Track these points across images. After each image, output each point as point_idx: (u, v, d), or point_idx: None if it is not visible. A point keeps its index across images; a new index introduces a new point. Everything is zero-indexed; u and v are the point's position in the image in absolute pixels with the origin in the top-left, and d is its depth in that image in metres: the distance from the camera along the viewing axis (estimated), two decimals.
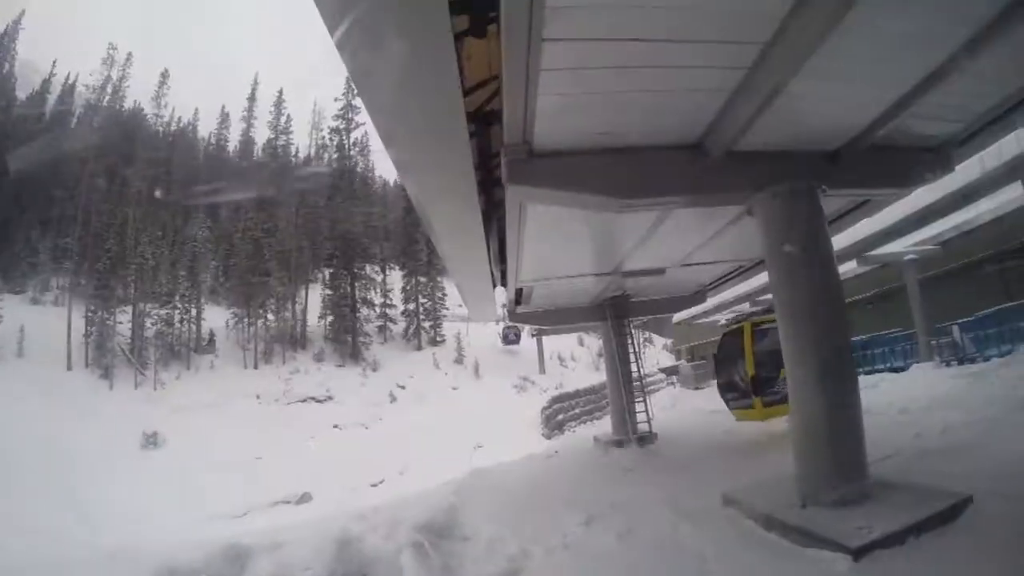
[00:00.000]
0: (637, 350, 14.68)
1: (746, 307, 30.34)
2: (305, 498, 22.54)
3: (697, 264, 12.14)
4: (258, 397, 32.78)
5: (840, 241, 18.73)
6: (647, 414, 13.70)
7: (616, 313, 14.40)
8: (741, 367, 11.96)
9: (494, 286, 13.56)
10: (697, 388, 32.75)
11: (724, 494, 6.83)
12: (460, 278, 11.79)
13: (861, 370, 21.93)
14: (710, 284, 15.38)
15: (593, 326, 18.81)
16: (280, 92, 56.23)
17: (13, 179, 37.10)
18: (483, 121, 6.56)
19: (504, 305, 17.54)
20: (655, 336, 62.86)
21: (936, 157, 7.36)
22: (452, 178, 6.50)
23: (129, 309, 35.14)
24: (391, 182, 71.94)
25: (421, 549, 5.84)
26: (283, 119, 55.68)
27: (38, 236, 37.66)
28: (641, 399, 13.89)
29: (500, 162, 6.24)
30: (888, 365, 20.67)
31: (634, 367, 14.44)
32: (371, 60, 4.37)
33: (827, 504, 5.74)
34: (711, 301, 28.05)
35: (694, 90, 5.30)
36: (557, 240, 9.19)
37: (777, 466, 8.87)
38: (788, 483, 6.46)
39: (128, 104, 51.15)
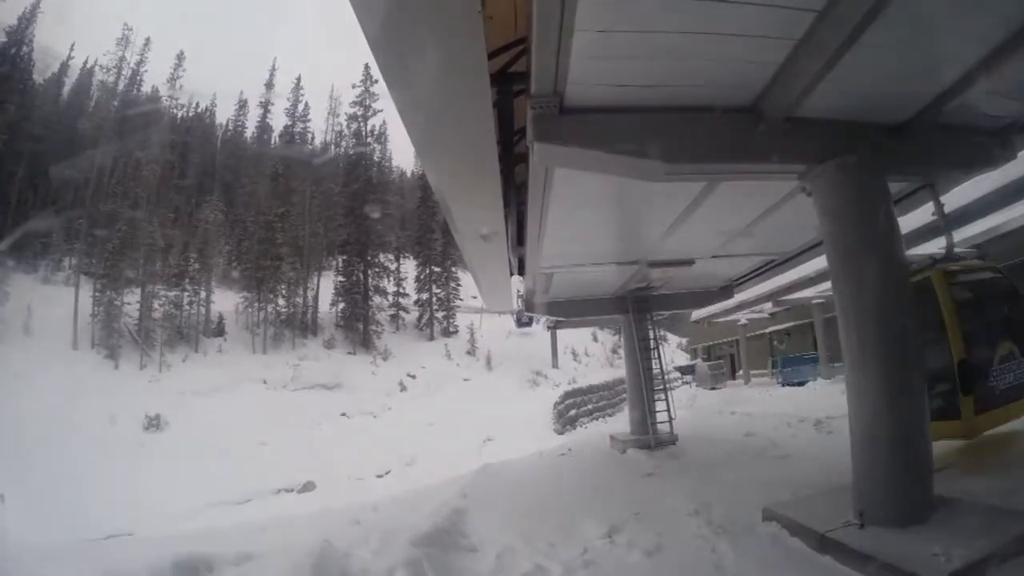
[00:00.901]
0: (659, 346, 13.83)
1: (768, 307, 29.61)
2: (308, 487, 21.95)
3: (728, 256, 11.35)
4: (265, 382, 32.21)
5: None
6: (669, 414, 12.85)
7: (638, 307, 13.61)
8: (935, 349, 6.79)
9: (511, 274, 12.85)
10: (713, 388, 32.03)
11: (765, 508, 6.05)
12: (476, 264, 11.00)
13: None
14: (737, 279, 14.57)
15: (613, 320, 18.08)
16: (298, 79, 56.01)
17: (28, 161, 36.99)
18: (506, 92, 5.95)
19: (520, 295, 16.81)
20: (669, 334, 62.13)
21: (1000, 141, 6.67)
22: (473, 146, 5.67)
23: (138, 290, 34.55)
24: (408, 172, 71.63)
25: (418, 569, 4.99)
26: (301, 106, 55.56)
27: (51, 217, 37.23)
28: (663, 398, 13.05)
29: (521, 141, 5.85)
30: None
31: (656, 364, 13.62)
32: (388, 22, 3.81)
33: (888, 523, 4.96)
34: (731, 300, 27.51)
35: (754, 36, 4.48)
36: (581, 223, 8.48)
37: (810, 474, 8.15)
38: (835, 496, 5.75)
39: (146, 89, 51.08)
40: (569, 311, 14.71)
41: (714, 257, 11.07)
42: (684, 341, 74.32)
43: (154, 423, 26.12)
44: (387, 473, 23.80)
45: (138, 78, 49.94)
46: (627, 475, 10.08)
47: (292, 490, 21.81)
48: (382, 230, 46.89)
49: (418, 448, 26.34)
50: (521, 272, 12.74)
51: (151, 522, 16.59)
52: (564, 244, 9.30)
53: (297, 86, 55.89)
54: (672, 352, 66.21)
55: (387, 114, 54.52)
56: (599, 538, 5.99)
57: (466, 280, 44.89)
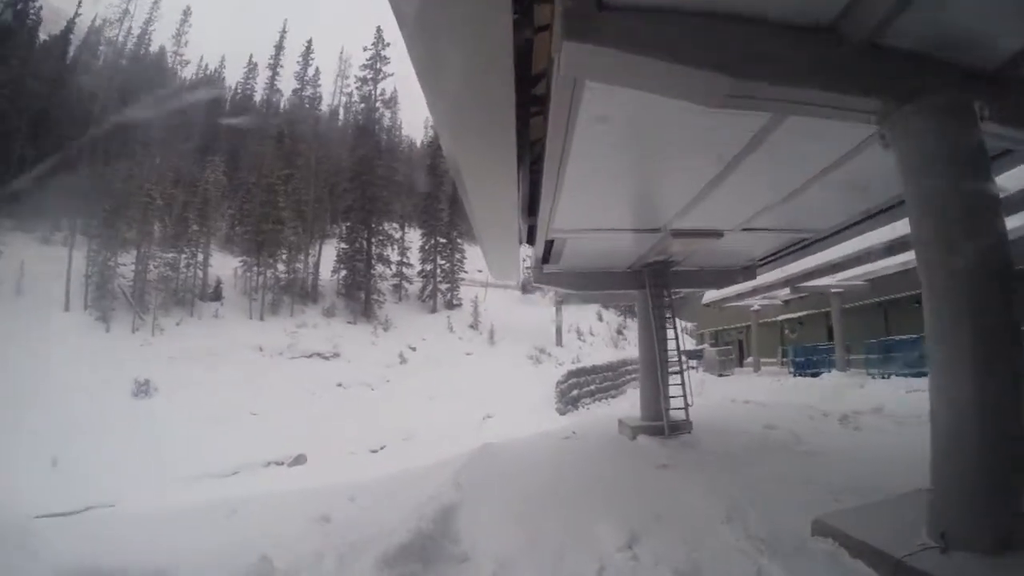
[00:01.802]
0: (676, 326, 12.82)
1: (782, 293, 28.55)
2: (299, 460, 21.19)
3: (758, 231, 10.31)
4: (261, 349, 31.29)
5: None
6: (685, 399, 11.86)
7: (655, 282, 12.61)
8: None
9: (519, 242, 11.90)
10: (721, 375, 31.16)
11: (816, 520, 5.09)
12: (482, 227, 9.99)
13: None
14: (761, 259, 13.57)
15: (625, 296, 17.08)
16: (309, 43, 54.62)
17: (30, 120, 36.13)
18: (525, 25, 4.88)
19: (528, 267, 15.81)
20: (676, 319, 60.97)
21: None
22: (487, 86, 4.82)
23: (134, 251, 33.57)
24: (418, 143, 70.27)
25: None
26: (311, 70, 54.55)
27: (52, 176, 36.17)
28: (678, 382, 12.06)
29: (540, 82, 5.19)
30: None
31: (673, 345, 12.64)
32: None
33: (978, 548, 4.02)
34: (747, 283, 26.43)
35: None
36: (602, 179, 7.51)
37: (850, 476, 7.22)
38: (894, 508, 4.96)
39: (154, 48, 50.42)
40: (580, 283, 13.67)
41: (744, 230, 10.05)
42: (691, 325, 73.78)
43: (143, 389, 25.29)
44: (382, 448, 23.04)
45: (147, 37, 49.08)
46: (640, 465, 9.15)
47: (282, 463, 21.03)
48: (388, 197, 45.52)
49: (416, 423, 25.60)
50: (530, 241, 11.85)
51: (135, 493, 15.99)
52: (581, 204, 8.39)
53: (308, 50, 54.69)
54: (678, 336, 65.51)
55: (399, 79, 53.67)
56: (618, 549, 5.02)
57: (472, 253, 44.21)
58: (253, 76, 60.15)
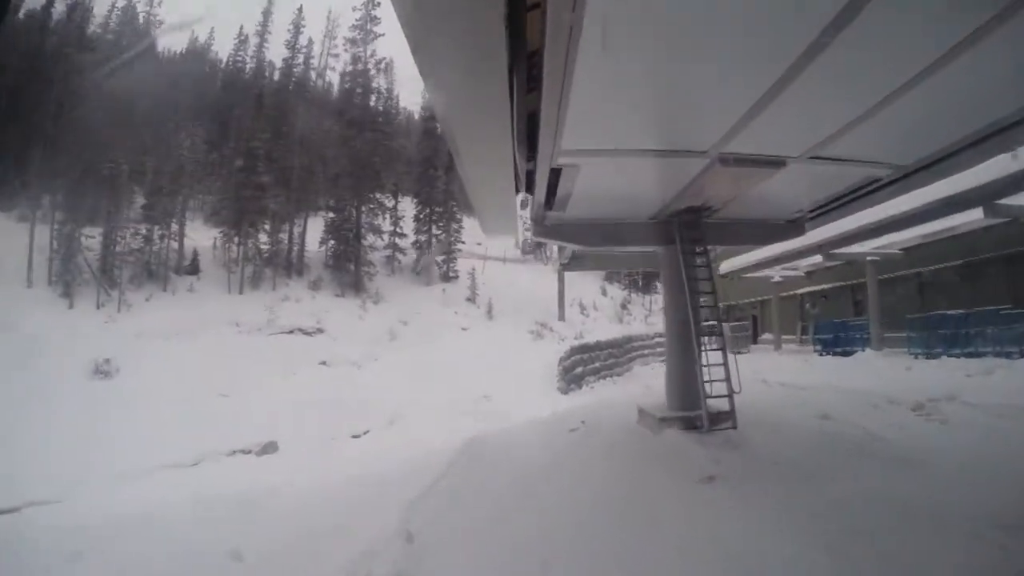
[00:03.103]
0: (717, 288, 10.28)
1: (804, 264, 26.14)
2: (270, 448, 18.87)
3: (828, 161, 7.77)
4: (237, 325, 28.83)
5: None
6: (729, 385, 9.33)
7: (689, 235, 10.08)
8: None
9: (517, 191, 9.45)
10: (738, 352, 28.79)
11: None
12: (469, 166, 7.66)
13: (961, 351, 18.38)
14: (813, 210, 11.01)
15: (646, 257, 14.63)
16: (300, 9, 51.49)
17: (6, 93, 34.02)
18: None
19: (527, 227, 13.31)
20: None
21: None
22: None
23: (103, 222, 31.11)
24: (415, 114, 67.39)
25: None
26: (303, 38, 51.76)
27: (29, 152, 33.66)
28: (722, 361, 9.54)
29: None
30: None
31: (708, 312, 10.16)
32: None
33: None
34: (765, 251, 24.04)
35: None
36: (625, 75, 5.28)
37: (996, 499, 4.91)
38: None
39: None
40: (591, 237, 11.04)
41: (812, 159, 7.53)
42: None
43: (103, 369, 22.99)
44: (365, 433, 20.81)
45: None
46: (676, 478, 6.80)
47: (251, 451, 18.73)
48: (379, 163, 42.71)
49: (405, 404, 23.33)
50: (529, 189, 9.40)
51: (86, 486, 14.21)
52: (597, 115, 6.07)
53: (299, 17, 51.54)
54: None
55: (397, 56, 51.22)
56: None
57: (469, 225, 41.83)
58: (244, 48, 57.04)
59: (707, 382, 9.27)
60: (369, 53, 46.32)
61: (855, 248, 21.34)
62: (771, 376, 16.95)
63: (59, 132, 33.34)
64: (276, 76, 52.32)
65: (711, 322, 10.10)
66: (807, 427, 9.31)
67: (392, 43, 47.27)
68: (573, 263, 17.11)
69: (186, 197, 35.89)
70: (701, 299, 9.89)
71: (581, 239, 10.98)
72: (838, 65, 4.86)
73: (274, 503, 8.49)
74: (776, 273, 27.28)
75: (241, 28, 56.19)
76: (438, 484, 7.35)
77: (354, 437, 20.41)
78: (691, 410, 9.55)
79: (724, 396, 9.17)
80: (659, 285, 60.42)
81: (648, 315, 53.49)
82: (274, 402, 22.04)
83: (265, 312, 29.94)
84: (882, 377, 14.73)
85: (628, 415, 11.08)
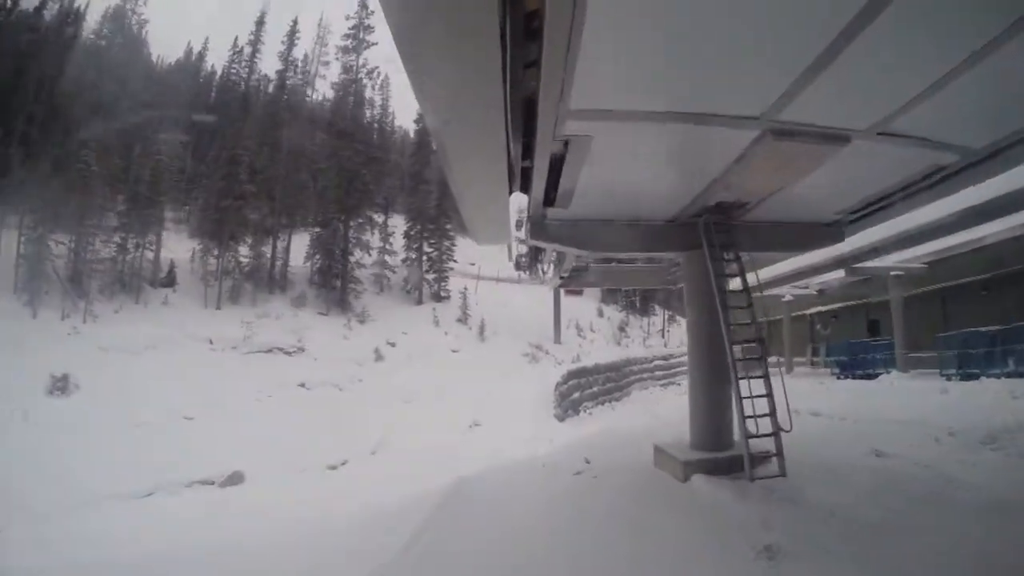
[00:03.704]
0: (752, 304, 8.57)
1: (815, 282, 24.67)
2: (235, 479, 17.19)
3: (897, 138, 6.20)
4: (211, 342, 26.94)
5: None
6: (775, 421, 7.61)
7: (718, 239, 8.44)
8: None
9: (510, 190, 7.84)
10: (748, 376, 27.18)
11: None
12: (457, 158, 6.26)
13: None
14: (857, 211, 9.41)
15: (657, 268, 13.09)
16: (294, 23, 50.27)
17: None
18: None
19: (520, 236, 11.65)
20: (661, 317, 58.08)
21: None
22: None
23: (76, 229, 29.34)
24: (411, 132, 66.35)
25: None
26: (298, 52, 50.80)
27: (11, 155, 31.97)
28: (766, 391, 7.84)
29: None
30: None
31: (745, 331, 8.48)
32: None
33: None
34: (780, 267, 22.52)
35: None
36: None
37: None
38: None
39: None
40: (599, 242, 9.30)
41: (879, 135, 5.97)
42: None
43: (60, 385, 21.08)
44: (343, 464, 19.17)
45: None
46: (722, 550, 5.05)
47: (212, 482, 17.03)
48: (369, 175, 41.04)
49: (389, 430, 21.68)
50: (525, 188, 7.96)
51: (24, 519, 13.03)
52: (615, 58, 4.61)
53: (293, 29, 50.22)
54: (683, 334, 61.58)
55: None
56: None
57: (462, 244, 40.37)
58: (238, 59, 55.62)
59: (754, 417, 7.56)
60: (361, 63, 45.02)
61: (878, 263, 19.96)
62: (799, 404, 15.29)
63: (35, 134, 31.75)
64: (269, 88, 51.38)
65: (749, 343, 8.36)
66: (864, 468, 7.71)
67: (387, 54, 45.47)
68: (571, 279, 15.41)
69: (164, 206, 34.03)
70: (736, 315, 8.22)
71: (586, 243, 9.27)
72: (917, 14, 3.79)
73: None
74: (787, 292, 25.72)
75: (235, 39, 55.21)
76: (412, 549, 5.62)
77: (331, 468, 18.79)
78: (721, 450, 7.95)
79: (768, 435, 7.44)
80: (656, 307, 59.79)
81: (646, 337, 52.37)
82: (245, 427, 20.39)
83: (241, 329, 28.08)
84: (922, 403, 13.10)
85: (640, 453, 9.42)
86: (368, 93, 47.49)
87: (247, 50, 53.20)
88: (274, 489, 16.06)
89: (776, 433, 7.44)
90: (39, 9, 38.70)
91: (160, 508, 14.82)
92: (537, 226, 8.86)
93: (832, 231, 10.02)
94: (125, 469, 16.63)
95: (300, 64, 50.71)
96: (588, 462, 9.66)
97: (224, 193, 33.42)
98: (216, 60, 57.53)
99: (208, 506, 15.13)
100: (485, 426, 23.40)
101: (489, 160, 6.13)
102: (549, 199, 7.75)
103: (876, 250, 19.16)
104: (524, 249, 17.68)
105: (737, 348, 8.08)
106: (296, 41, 50.10)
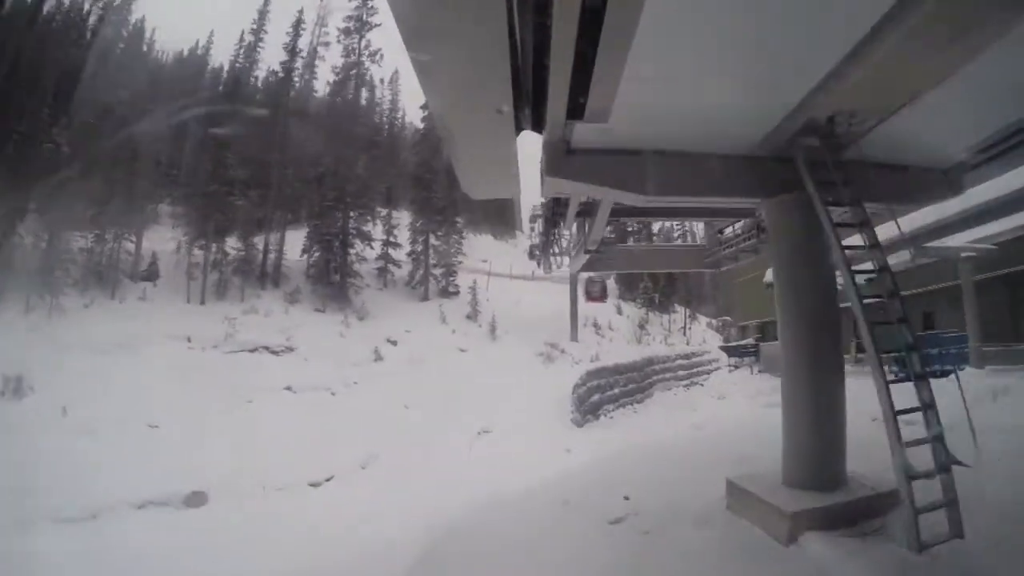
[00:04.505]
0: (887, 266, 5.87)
1: (868, 266, 21.88)
2: (195, 500, 14.77)
3: None
4: (189, 340, 24.43)
5: None
6: (941, 448, 4.90)
7: (822, 176, 5.77)
8: None
9: (517, 129, 5.68)
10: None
11: None
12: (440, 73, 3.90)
13: None
14: (984, 150, 6.84)
15: (694, 251, 10.62)
16: (300, 12, 47.77)
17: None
18: None
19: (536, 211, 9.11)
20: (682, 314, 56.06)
21: None
22: None
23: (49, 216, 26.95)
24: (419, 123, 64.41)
25: None
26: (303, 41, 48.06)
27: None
28: (924, 402, 5.14)
29: None
30: None
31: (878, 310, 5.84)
32: None
33: None
34: None
35: None
36: None
37: None
38: None
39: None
40: (649, 179, 6.54)
41: None
42: (715, 321, 67.02)
43: (13, 386, 18.67)
44: (328, 480, 16.73)
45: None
46: None
47: (168, 504, 14.65)
48: (370, 160, 38.62)
49: (384, 441, 19.24)
50: (537, 127, 5.95)
51: None
52: None
53: (298, 21, 47.69)
54: (703, 331, 58.82)
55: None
56: None
57: (475, 242, 37.88)
58: (240, 51, 53.35)
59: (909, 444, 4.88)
60: (364, 44, 42.39)
61: (948, 242, 17.46)
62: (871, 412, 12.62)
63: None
64: (271, 78, 48.94)
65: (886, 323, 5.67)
66: None
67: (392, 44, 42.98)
68: (595, 262, 12.78)
69: (149, 195, 31.57)
70: (861, 284, 5.56)
71: (629, 182, 6.55)
72: None
73: None
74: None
75: (242, 33, 53.14)
76: None
77: (312, 485, 16.38)
78: (831, 488, 5.31)
79: (937, 473, 4.74)
80: (676, 307, 57.02)
81: (668, 335, 49.64)
82: (218, 437, 17.95)
83: (224, 325, 25.54)
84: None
85: (696, 483, 6.93)
86: (371, 75, 44.75)
87: (250, 40, 51.05)
88: (239, 513, 13.80)
89: (947, 468, 4.74)
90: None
91: (99, 535, 12.70)
92: (557, 158, 6.24)
93: (950, 180, 7.45)
94: (71, 485, 14.36)
95: (305, 55, 48.41)
96: (627, 499, 7.01)
97: (211, 178, 30.88)
98: (223, 55, 56.09)
99: (155, 532, 12.91)
100: (495, 433, 21.14)
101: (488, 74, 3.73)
102: (576, 108, 5.11)
103: (943, 228, 16.78)
104: (537, 238, 15.31)
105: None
106: (302, 31, 47.98)
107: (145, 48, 49.44)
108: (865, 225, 5.79)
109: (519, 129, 6.00)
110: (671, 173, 6.32)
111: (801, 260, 6.27)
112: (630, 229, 42.73)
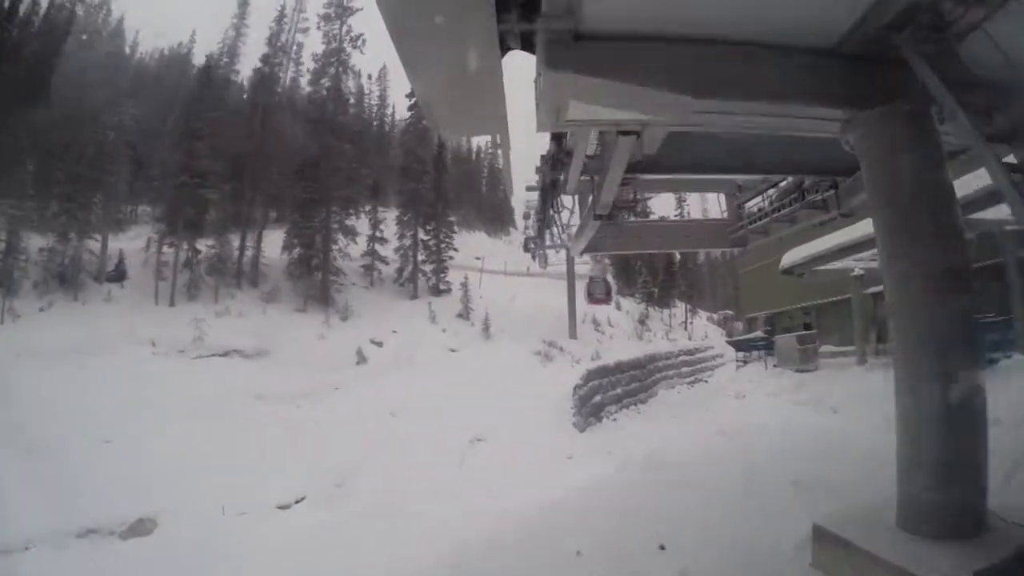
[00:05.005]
0: None
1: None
2: (141, 528, 12.97)
3: None
4: (153, 344, 22.52)
5: None
6: None
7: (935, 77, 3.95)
8: None
9: (502, 45, 4.40)
10: (801, 370, 22.80)
11: None
12: None
13: None
14: None
15: (712, 229, 8.98)
16: (283, 7, 46.30)
17: None
18: None
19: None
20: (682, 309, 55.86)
21: None
22: None
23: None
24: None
25: None
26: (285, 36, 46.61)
27: None
28: None
29: None
30: None
31: None
32: None
33: None
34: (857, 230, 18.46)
35: None
36: None
37: None
38: None
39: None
40: (692, 79, 4.65)
41: None
42: (716, 316, 65.60)
43: None
44: (298, 502, 14.90)
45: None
46: None
47: (113, 532, 12.79)
48: (354, 152, 36.79)
49: (365, 454, 17.36)
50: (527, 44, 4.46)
51: None
52: None
53: (281, 14, 46.22)
54: (704, 326, 57.38)
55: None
56: None
57: (468, 239, 36.12)
58: (226, 49, 51.67)
59: None
60: (345, 31, 40.52)
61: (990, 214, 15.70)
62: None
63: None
64: (252, 69, 47.45)
65: None
66: None
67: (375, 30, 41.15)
68: (601, 240, 10.96)
69: (113, 191, 29.54)
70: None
71: (660, 77, 4.63)
72: None
73: None
74: (859, 265, 21.18)
75: (225, 31, 51.81)
76: None
77: (281, 508, 14.48)
78: (971, 532, 3.51)
79: None
80: (678, 302, 55.55)
81: (669, 330, 48.85)
82: (177, 451, 15.95)
83: (191, 328, 23.63)
84: None
85: (745, 517, 5.13)
86: (355, 63, 42.75)
87: (232, 34, 49.70)
88: (189, 543, 11.95)
89: None
90: None
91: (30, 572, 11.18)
92: (560, 46, 4.35)
93: None
94: (5, 510, 12.49)
95: (283, 41, 46.69)
96: (663, 549, 5.16)
97: (181, 170, 28.94)
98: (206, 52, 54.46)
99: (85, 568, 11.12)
100: (489, 441, 19.38)
101: None
102: None
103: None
104: (533, 230, 13.58)
105: None
106: (285, 24, 46.46)
107: (129, 50, 49.08)
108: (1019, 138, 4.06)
109: (504, 45, 4.33)
110: (722, 70, 4.49)
111: (916, 200, 4.50)
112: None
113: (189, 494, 13.83)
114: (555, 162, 7.84)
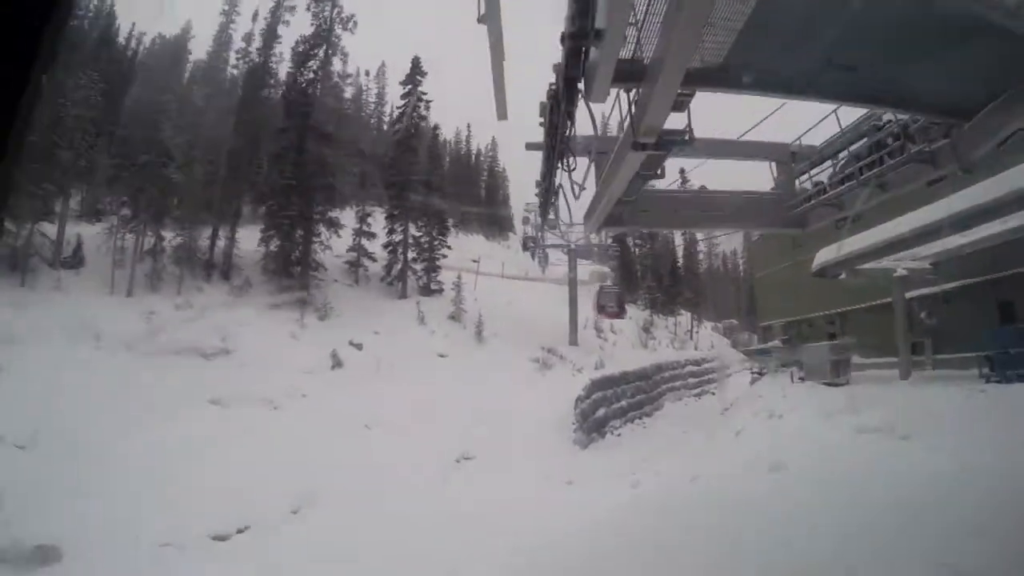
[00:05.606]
0: None
1: (930, 252, 17.87)
2: (44, 556, 10.41)
3: None
4: (98, 339, 19.91)
5: None
6: None
7: None
8: None
9: None
10: (832, 384, 20.30)
11: None
12: None
13: None
14: None
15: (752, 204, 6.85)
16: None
17: None
18: None
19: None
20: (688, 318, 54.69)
21: None
22: None
23: None
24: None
25: None
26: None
27: None
28: None
29: None
30: None
31: None
32: None
33: None
34: (898, 226, 16.27)
35: None
36: None
37: None
38: None
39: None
40: None
41: None
42: (721, 326, 63.63)
43: None
44: (241, 531, 12.53)
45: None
46: None
47: (8, 561, 10.37)
48: (340, 135, 34.48)
49: (332, 472, 15.05)
50: None
51: None
52: None
53: (277, 5, 43.97)
54: (710, 335, 55.29)
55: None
56: None
57: (464, 240, 33.76)
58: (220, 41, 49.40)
59: None
60: (335, 12, 37.96)
61: None
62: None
63: None
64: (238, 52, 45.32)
65: None
66: None
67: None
68: (621, 216, 8.59)
69: (70, 168, 26.94)
70: None
71: None
72: None
73: None
74: (901, 265, 18.80)
75: (219, 25, 49.99)
76: None
77: (217, 539, 11.98)
78: None
79: None
80: (682, 310, 53.26)
81: (674, 339, 47.09)
82: (103, 465, 13.56)
83: (143, 323, 21.07)
84: None
85: None
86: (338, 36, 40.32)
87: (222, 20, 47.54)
88: None
89: None
90: None
91: None
92: None
93: None
94: None
95: (268, 19, 44.44)
96: None
97: (143, 147, 26.46)
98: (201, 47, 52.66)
99: None
100: (478, 460, 17.49)
101: None
102: None
103: None
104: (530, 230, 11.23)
105: None
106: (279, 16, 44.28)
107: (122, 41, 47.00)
108: None
109: None
110: None
111: None
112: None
113: (109, 517, 11.42)
114: (572, 62, 5.31)
